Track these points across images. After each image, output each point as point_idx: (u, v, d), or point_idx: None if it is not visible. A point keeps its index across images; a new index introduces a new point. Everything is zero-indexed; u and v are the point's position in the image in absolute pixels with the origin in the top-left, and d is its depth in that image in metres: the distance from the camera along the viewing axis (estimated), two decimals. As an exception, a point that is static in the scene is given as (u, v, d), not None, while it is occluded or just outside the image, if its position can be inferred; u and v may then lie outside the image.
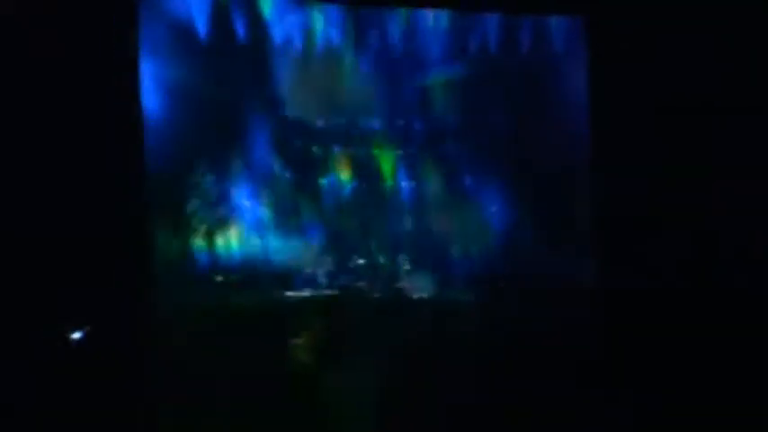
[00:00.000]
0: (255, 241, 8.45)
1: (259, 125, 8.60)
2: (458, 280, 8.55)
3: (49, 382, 6.23)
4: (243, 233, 8.45)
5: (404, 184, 9.00)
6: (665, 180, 6.87)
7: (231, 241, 8.37)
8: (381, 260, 8.87)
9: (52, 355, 6.52)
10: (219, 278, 8.31)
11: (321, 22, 8.63)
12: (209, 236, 8.33)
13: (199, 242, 8.28)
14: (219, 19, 8.24)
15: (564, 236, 8.04)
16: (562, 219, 8.09)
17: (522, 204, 8.45)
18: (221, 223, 8.38)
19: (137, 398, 6.39)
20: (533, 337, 7.23)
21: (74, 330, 6.82)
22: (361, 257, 8.87)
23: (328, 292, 8.63)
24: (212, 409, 6.60)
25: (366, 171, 9.05)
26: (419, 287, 8.70)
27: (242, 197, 8.54)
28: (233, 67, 8.45)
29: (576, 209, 7.94)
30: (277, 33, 8.55)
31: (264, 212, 8.57)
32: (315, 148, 8.98)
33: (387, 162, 8.99)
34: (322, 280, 8.69)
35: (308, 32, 8.63)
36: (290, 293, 8.44)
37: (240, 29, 8.31)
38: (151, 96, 8.16)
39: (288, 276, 8.56)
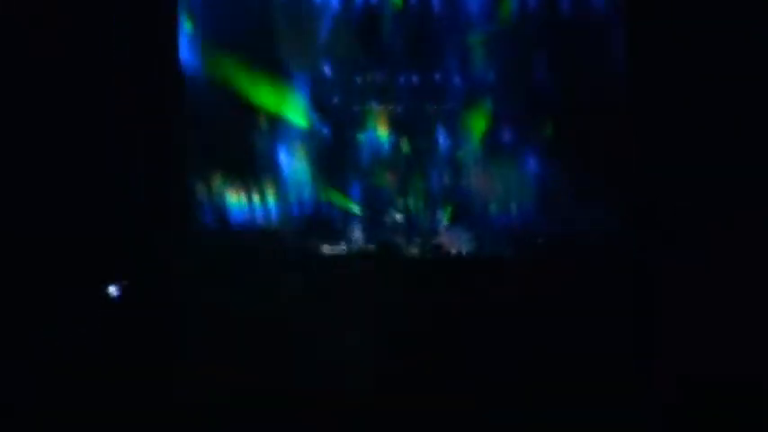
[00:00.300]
0: (293, 196, 8.57)
1: (298, 82, 8.66)
2: (496, 236, 8.60)
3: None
4: (280, 188, 8.58)
5: (442, 140, 9.01)
6: (703, 147, 6.87)
7: (268, 196, 8.50)
8: (419, 216, 8.93)
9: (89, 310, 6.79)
10: (256, 232, 8.50)
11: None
12: (248, 190, 8.46)
13: (236, 196, 8.42)
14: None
15: (600, 195, 8.05)
16: (598, 178, 8.09)
17: (560, 162, 8.43)
18: (260, 178, 8.51)
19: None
20: (568, 297, 7.28)
21: (111, 285, 7.14)
22: (398, 213, 8.97)
23: (365, 246, 8.79)
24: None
25: (404, 127, 9.07)
26: (457, 243, 8.79)
27: (281, 152, 8.66)
28: (274, 26, 8.53)
29: (612, 168, 7.97)
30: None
31: (302, 168, 8.66)
32: (353, 105, 9.03)
33: (425, 118, 9.00)
34: (359, 235, 8.83)
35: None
36: (326, 247, 8.62)
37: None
38: (192, 51, 8.35)
39: (325, 231, 8.73)
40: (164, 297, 7.21)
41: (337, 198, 8.68)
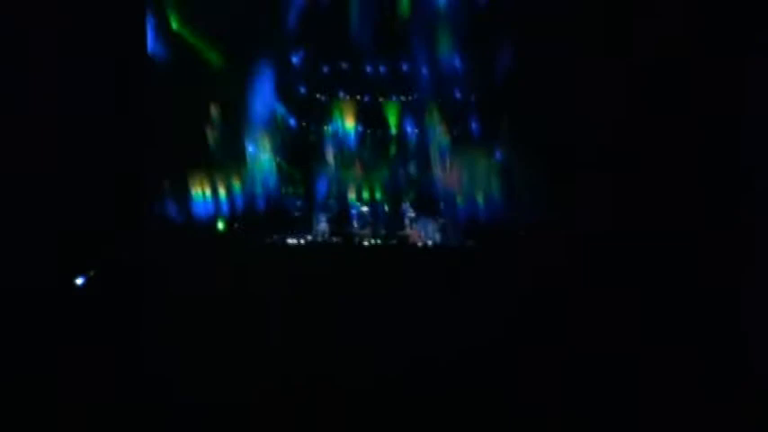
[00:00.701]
0: (257, 188, 8.46)
1: (264, 72, 8.57)
2: (462, 228, 8.54)
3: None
4: (245, 180, 8.47)
5: (409, 130, 8.95)
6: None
7: (233, 188, 8.38)
8: (386, 208, 8.87)
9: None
10: (221, 224, 8.39)
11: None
12: (212, 182, 8.34)
13: (201, 188, 8.30)
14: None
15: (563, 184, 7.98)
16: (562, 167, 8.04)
17: (524, 153, 8.37)
18: (224, 170, 8.40)
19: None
20: (532, 287, 7.23)
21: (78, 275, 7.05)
22: (364, 205, 8.91)
23: (330, 239, 8.73)
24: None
25: (371, 118, 9.02)
26: (423, 235, 8.73)
27: (246, 144, 8.55)
28: (239, 13, 8.42)
29: (577, 158, 7.90)
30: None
31: (267, 159, 8.56)
32: (319, 95, 8.96)
33: (392, 109, 8.94)
34: (324, 227, 8.77)
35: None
36: (291, 240, 8.52)
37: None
38: (157, 40, 8.22)
39: (290, 223, 8.62)
40: (127, 292, 7.11)
41: (302, 190, 8.61)
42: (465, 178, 8.53)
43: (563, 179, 7.83)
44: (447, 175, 8.62)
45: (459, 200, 8.54)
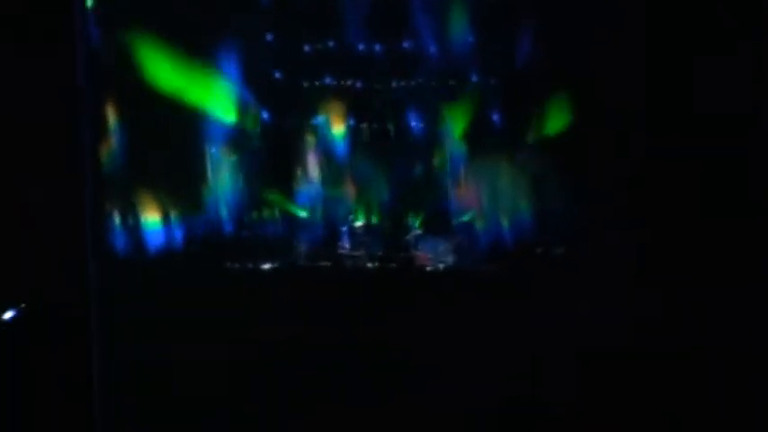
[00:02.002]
0: (222, 212, 6.64)
1: (226, 57, 6.71)
2: (481, 249, 6.80)
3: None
4: (207, 202, 6.63)
5: (414, 125, 7.11)
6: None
7: (192, 213, 6.58)
8: (384, 223, 7.06)
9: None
10: (182, 251, 6.63)
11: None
12: (167, 208, 6.56)
13: (154, 216, 6.54)
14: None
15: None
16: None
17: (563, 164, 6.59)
18: (183, 192, 6.59)
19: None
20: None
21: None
22: (358, 220, 7.07)
23: (314, 262, 6.94)
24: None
25: (365, 109, 7.15)
26: (432, 257, 6.97)
27: (206, 157, 6.68)
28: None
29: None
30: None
31: (232, 175, 6.73)
32: (300, 81, 7.09)
33: (391, 97, 7.08)
34: (308, 248, 6.96)
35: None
36: (265, 265, 6.75)
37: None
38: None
39: (267, 245, 6.83)
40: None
41: (279, 208, 6.74)
42: (483, 189, 6.75)
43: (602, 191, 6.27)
44: (461, 184, 6.83)
45: (475, 216, 6.78)
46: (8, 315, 5.92)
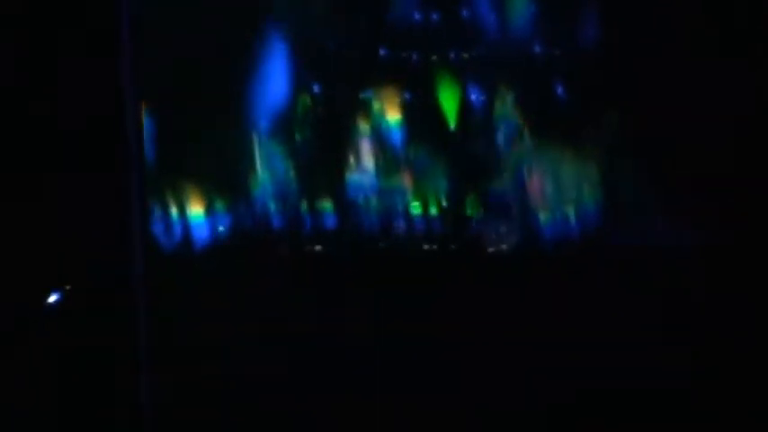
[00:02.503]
0: (271, 205, 6.38)
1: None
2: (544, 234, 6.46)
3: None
4: (256, 196, 6.38)
5: (474, 98, 6.68)
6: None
7: (241, 206, 6.36)
8: (446, 205, 6.73)
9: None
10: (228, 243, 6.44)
11: None
12: (215, 201, 6.35)
13: (201, 209, 6.35)
14: None
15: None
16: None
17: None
18: (232, 184, 6.36)
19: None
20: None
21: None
22: (416, 209, 6.69)
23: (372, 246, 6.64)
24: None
25: (420, 81, 6.70)
26: (494, 238, 6.64)
27: (257, 150, 6.38)
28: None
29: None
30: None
31: (285, 167, 6.45)
32: (355, 55, 6.62)
33: (448, 70, 6.64)
34: (362, 232, 6.65)
35: None
36: (319, 247, 6.51)
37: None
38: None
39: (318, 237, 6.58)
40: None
41: (331, 204, 6.44)
42: (547, 174, 6.35)
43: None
44: (525, 168, 6.41)
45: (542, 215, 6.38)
46: (53, 298, 6.01)
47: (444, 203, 6.46)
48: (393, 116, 6.49)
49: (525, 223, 6.37)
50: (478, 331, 6.06)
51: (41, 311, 5.86)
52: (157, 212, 6.20)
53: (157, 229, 6.24)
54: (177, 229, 6.30)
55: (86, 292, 5.87)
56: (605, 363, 5.80)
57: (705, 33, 5.85)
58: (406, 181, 6.46)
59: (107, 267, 5.89)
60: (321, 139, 6.46)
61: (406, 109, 6.49)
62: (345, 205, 6.38)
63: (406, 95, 6.55)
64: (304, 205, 6.35)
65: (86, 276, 5.86)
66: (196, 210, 6.28)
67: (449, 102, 6.53)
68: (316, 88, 6.47)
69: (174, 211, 6.27)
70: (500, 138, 6.46)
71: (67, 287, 5.93)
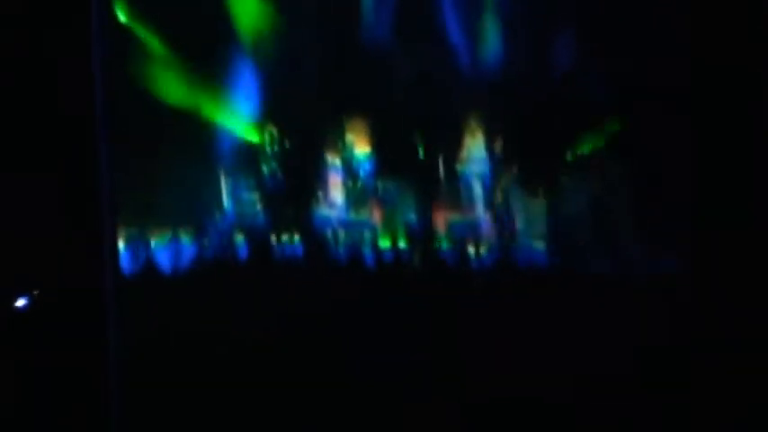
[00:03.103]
0: (236, 237, 6.25)
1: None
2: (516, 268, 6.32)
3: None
4: (220, 228, 6.26)
5: (443, 129, 6.54)
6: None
7: (203, 238, 6.23)
8: (415, 238, 6.59)
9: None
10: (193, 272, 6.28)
11: None
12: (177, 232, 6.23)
13: (163, 238, 6.22)
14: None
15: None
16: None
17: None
18: (194, 215, 6.25)
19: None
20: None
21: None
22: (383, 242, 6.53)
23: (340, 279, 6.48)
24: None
25: (388, 113, 6.57)
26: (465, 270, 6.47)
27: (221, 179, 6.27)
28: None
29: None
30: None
31: (252, 197, 6.32)
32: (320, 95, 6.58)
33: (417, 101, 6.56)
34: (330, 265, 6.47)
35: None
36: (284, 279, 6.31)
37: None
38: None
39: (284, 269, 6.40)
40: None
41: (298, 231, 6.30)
42: (517, 209, 6.24)
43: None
44: (494, 202, 6.31)
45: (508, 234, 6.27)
46: (20, 302, 5.88)
47: (413, 236, 6.34)
48: (361, 149, 6.40)
49: (496, 255, 6.24)
50: (447, 364, 5.96)
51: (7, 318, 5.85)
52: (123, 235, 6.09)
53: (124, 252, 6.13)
54: (142, 255, 6.18)
55: (55, 300, 5.83)
56: (578, 394, 5.70)
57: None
58: (374, 214, 6.34)
59: (76, 278, 5.86)
60: (288, 172, 6.36)
61: (375, 141, 6.40)
62: (312, 238, 6.26)
63: (375, 127, 6.47)
64: (272, 238, 6.23)
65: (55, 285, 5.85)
66: (160, 239, 6.17)
67: (417, 133, 6.47)
68: (283, 119, 6.37)
69: (138, 238, 6.16)
70: (471, 169, 6.37)
71: (35, 292, 5.88)
